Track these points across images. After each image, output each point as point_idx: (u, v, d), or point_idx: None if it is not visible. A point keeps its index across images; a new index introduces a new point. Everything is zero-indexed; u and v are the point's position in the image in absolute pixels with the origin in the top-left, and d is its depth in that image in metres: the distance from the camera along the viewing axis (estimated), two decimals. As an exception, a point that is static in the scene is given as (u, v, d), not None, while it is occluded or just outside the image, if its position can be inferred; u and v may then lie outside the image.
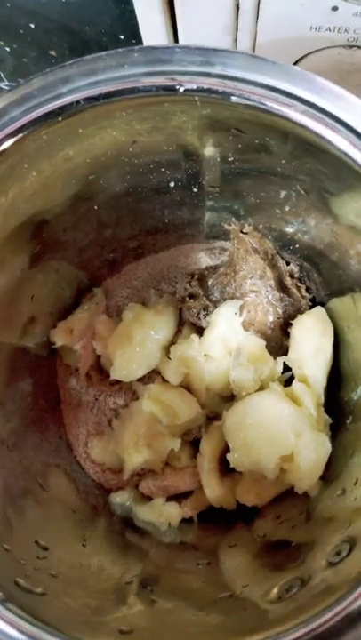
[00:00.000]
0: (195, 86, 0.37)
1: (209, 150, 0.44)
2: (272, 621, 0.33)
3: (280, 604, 0.35)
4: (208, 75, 0.37)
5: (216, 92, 0.37)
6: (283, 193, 0.46)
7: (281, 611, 0.34)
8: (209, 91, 0.37)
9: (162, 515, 0.51)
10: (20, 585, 0.36)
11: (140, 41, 0.54)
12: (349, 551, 0.35)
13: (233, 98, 0.36)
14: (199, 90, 0.37)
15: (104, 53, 0.38)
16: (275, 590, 0.36)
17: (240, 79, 0.36)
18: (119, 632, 0.34)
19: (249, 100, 0.36)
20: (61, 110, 0.38)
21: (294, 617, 0.32)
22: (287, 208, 0.48)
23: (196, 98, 0.37)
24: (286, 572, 0.38)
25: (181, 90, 0.37)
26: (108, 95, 0.38)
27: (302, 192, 0.44)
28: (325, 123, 0.35)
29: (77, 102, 0.38)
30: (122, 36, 0.55)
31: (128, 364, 0.53)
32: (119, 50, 0.38)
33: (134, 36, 0.54)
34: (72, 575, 0.40)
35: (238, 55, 0.37)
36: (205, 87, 0.37)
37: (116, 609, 0.37)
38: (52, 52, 0.60)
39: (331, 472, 0.47)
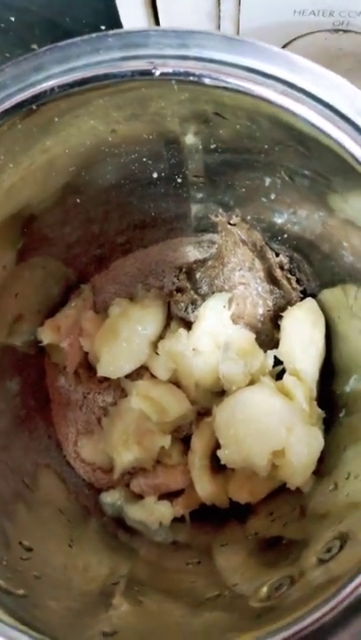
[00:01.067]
0: (171, 70, 0.36)
1: (190, 138, 0.43)
2: (261, 621, 0.32)
3: (269, 603, 0.34)
4: (185, 57, 0.36)
5: (193, 74, 0.35)
6: (268, 180, 0.45)
7: (270, 610, 0.33)
8: (186, 74, 0.36)
9: (153, 514, 0.50)
10: (1, 587, 0.35)
11: (122, 31, 0.53)
12: (340, 548, 0.34)
13: (210, 80, 0.35)
14: (175, 73, 0.36)
15: (78, 39, 0.37)
16: (264, 589, 0.35)
17: (217, 61, 0.35)
18: (102, 634, 0.33)
19: (227, 82, 0.35)
20: (35, 99, 0.37)
21: (283, 616, 0.31)
22: (273, 196, 0.46)
23: (173, 82, 0.36)
24: (277, 570, 0.37)
25: (157, 73, 0.36)
26: (82, 82, 0.37)
27: (287, 179, 0.43)
28: (305, 103, 0.34)
29: (52, 90, 0.37)
30: (103, 27, 0.54)
31: (115, 360, 0.52)
32: (93, 35, 0.37)
33: (116, 26, 0.53)
34: (56, 576, 0.39)
35: (215, 37, 0.36)
36: (182, 70, 0.36)
37: (100, 610, 0.36)
38: (35, 46, 0.59)
39: (324, 467, 0.46)
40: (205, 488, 0.49)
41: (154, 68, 0.36)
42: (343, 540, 0.34)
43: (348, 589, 0.30)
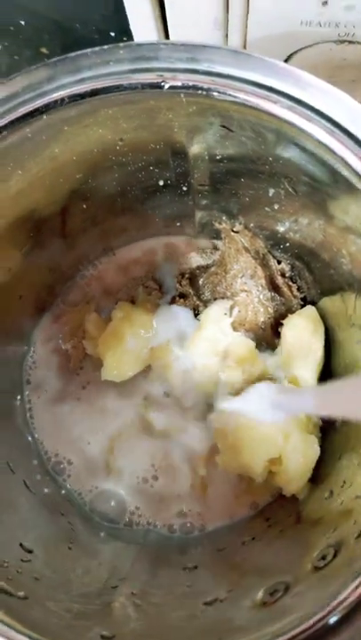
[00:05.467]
0: (180, 83, 0.36)
1: (196, 148, 0.43)
2: (255, 626, 0.32)
3: (264, 609, 0.34)
4: (194, 71, 0.36)
5: (201, 88, 0.36)
6: (271, 191, 0.45)
7: (264, 615, 0.34)
8: (194, 87, 0.36)
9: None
10: (2, 588, 0.35)
11: (130, 37, 0.54)
12: (334, 555, 0.35)
13: (218, 94, 0.36)
14: (184, 87, 0.36)
15: (89, 50, 0.38)
16: (260, 594, 0.36)
17: (226, 75, 0.36)
18: (101, 637, 0.34)
19: (234, 96, 0.36)
20: (46, 108, 0.38)
21: (278, 621, 0.32)
22: (277, 206, 0.47)
23: (182, 95, 0.37)
24: (272, 576, 0.37)
25: (166, 87, 0.36)
26: (93, 93, 0.37)
27: (290, 190, 0.43)
28: (310, 117, 0.34)
29: (62, 100, 0.38)
30: (113, 33, 0.55)
31: (119, 364, 0.52)
32: (104, 47, 0.38)
33: (125, 32, 0.54)
34: (56, 579, 0.40)
35: (224, 51, 0.36)
36: (191, 84, 0.36)
37: (99, 613, 0.37)
38: (44, 50, 0.60)
39: (319, 474, 0.47)
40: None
41: (163, 81, 0.36)
42: (338, 547, 0.35)
43: (342, 596, 0.31)
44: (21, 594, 0.36)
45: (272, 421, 0.45)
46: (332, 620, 0.30)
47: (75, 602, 0.37)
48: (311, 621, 0.30)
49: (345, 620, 0.31)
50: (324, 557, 0.35)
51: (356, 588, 0.31)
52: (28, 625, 0.33)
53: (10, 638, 0.32)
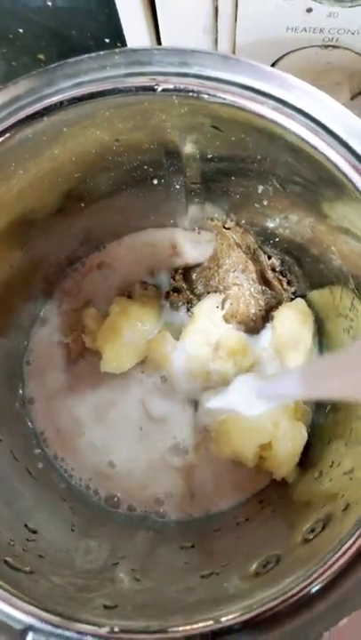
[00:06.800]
0: (172, 86, 0.39)
1: (188, 148, 0.46)
2: (248, 594, 0.34)
3: (257, 579, 0.37)
4: (185, 75, 0.39)
5: (192, 91, 0.38)
6: (260, 188, 0.48)
7: (257, 584, 0.36)
8: (185, 90, 0.38)
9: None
10: (9, 563, 0.37)
11: (124, 43, 0.56)
12: (323, 528, 0.37)
13: (208, 97, 0.38)
14: (176, 89, 0.39)
15: (86, 56, 0.40)
16: (253, 567, 0.38)
17: (215, 79, 0.38)
18: (103, 607, 0.36)
19: (223, 98, 0.38)
20: (46, 110, 0.40)
21: (270, 588, 0.34)
22: (266, 202, 0.49)
23: (174, 97, 0.39)
24: (265, 551, 0.39)
25: (159, 89, 0.39)
26: (90, 96, 0.40)
27: (279, 186, 0.46)
28: (295, 118, 0.37)
29: (61, 103, 0.40)
30: (107, 40, 0.57)
31: (117, 356, 0.54)
32: (101, 53, 0.40)
33: (119, 38, 0.56)
34: (60, 557, 0.42)
35: (214, 56, 0.39)
36: (182, 87, 0.38)
37: (101, 587, 0.39)
38: (41, 56, 0.62)
39: (309, 458, 0.49)
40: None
41: (156, 84, 0.38)
42: (326, 520, 0.37)
43: (329, 563, 0.33)
44: (27, 569, 0.38)
45: (258, 413, 0.45)
46: (316, 587, 0.32)
47: (78, 577, 0.39)
48: (302, 585, 0.33)
49: (333, 584, 0.33)
50: (313, 530, 0.38)
51: (344, 553, 0.33)
52: (35, 596, 0.35)
53: (18, 608, 0.34)
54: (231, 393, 0.46)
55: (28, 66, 0.63)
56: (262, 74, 0.38)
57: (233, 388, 0.46)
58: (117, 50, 0.40)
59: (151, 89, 0.39)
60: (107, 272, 0.60)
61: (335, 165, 0.37)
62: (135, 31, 0.54)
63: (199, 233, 0.59)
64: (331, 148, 0.37)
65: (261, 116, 0.38)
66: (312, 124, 0.37)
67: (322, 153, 0.37)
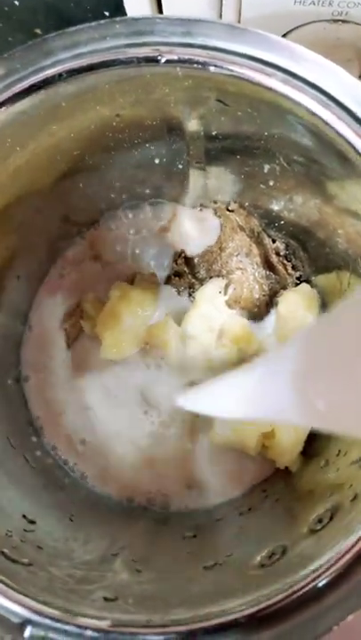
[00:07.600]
0: (176, 57, 0.37)
1: (192, 124, 0.44)
2: (254, 586, 0.33)
3: (262, 570, 0.35)
4: (189, 45, 0.37)
5: (197, 62, 0.37)
6: (266, 167, 0.46)
7: (263, 576, 0.35)
8: (190, 61, 0.37)
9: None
10: (7, 555, 0.36)
11: (124, 15, 0.54)
12: (330, 518, 0.36)
13: (214, 68, 0.36)
14: (180, 60, 0.37)
15: (86, 25, 0.38)
16: (258, 558, 0.37)
17: (221, 49, 0.36)
18: (103, 599, 0.35)
19: (230, 70, 0.36)
20: (44, 83, 0.38)
21: (277, 580, 0.33)
22: (272, 183, 0.48)
23: (178, 69, 0.37)
24: (269, 542, 0.38)
25: (163, 61, 0.37)
26: (90, 67, 0.38)
27: (286, 165, 0.44)
28: (305, 90, 0.35)
29: (60, 75, 0.38)
30: (107, 13, 0.55)
31: (117, 342, 0.53)
32: (101, 22, 0.38)
33: (119, 11, 0.54)
34: (58, 547, 0.41)
35: (219, 26, 0.37)
36: (186, 58, 0.37)
37: (101, 578, 0.38)
38: (38, 31, 0.60)
39: (314, 447, 0.48)
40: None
41: (159, 55, 0.37)
42: (334, 510, 0.36)
43: (338, 555, 0.32)
44: (26, 560, 0.36)
45: (243, 417, 0.34)
46: (325, 580, 0.31)
47: (77, 568, 0.38)
48: (309, 579, 0.31)
49: (342, 576, 0.32)
50: (320, 520, 0.36)
51: (353, 546, 0.32)
52: (34, 589, 0.34)
53: (16, 601, 0.33)
54: (211, 392, 0.37)
55: (24, 41, 0.61)
56: (271, 44, 0.36)
57: (215, 385, 0.36)
58: (118, 19, 0.38)
59: (154, 60, 0.37)
60: (106, 256, 0.58)
61: (347, 140, 0.35)
62: (136, 3, 0.52)
63: (201, 210, 0.57)
64: (342, 122, 0.35)
65: (270, 89, 0.36)
66: (323, 98, 0.35)
67: (333, 127, 0.35)
